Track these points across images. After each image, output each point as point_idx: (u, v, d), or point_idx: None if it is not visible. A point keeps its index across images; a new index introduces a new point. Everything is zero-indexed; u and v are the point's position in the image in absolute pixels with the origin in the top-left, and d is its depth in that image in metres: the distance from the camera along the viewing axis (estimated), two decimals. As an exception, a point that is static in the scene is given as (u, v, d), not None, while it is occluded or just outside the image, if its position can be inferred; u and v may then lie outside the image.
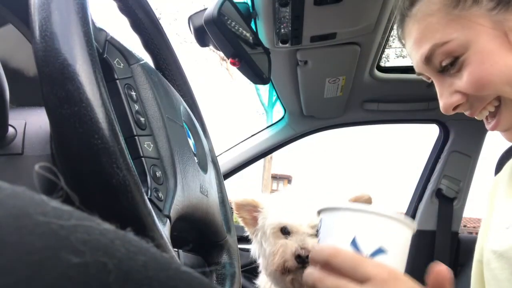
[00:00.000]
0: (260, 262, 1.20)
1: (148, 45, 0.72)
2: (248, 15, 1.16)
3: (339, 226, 0.51)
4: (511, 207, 0.73)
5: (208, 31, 0.89)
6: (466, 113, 0.69)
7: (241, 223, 1.22)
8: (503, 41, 0.61)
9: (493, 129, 0.68)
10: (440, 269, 0.48)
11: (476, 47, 0.62)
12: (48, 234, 0.15)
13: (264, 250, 1.14)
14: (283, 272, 1.06)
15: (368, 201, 1.16)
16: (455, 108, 0.68)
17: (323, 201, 1.12)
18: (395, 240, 0.50)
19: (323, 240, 0.52)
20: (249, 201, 1.18)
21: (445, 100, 0.68)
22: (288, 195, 1.19)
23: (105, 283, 0.16)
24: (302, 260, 1.02)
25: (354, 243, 0.48)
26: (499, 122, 0.66)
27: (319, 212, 0.54)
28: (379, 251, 0.48)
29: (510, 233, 0.67)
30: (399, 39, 0.76)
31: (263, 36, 1.27)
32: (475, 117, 0.69)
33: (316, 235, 1.06)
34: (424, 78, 0.74)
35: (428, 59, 0.67)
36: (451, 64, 0.65)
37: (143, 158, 0.49)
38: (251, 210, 1.19)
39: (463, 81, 0.64)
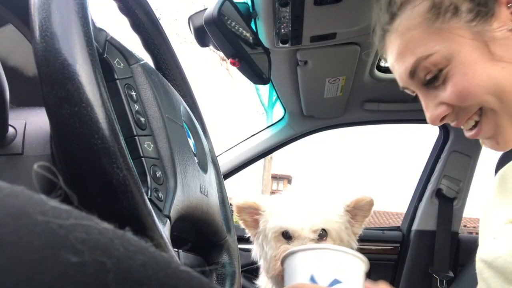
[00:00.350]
0: (261, 264, 1.19)
1: (148, 45, 0.72)
2: (248, 15, 1.16)
3: (298, 267, 0.58)
4: (499, 218, 0.73)
5: (208, 31, 0.89)
6: (452, 124, 0.70)
7: (242, 225, 1.20)
8: (484, 52, 0.62)
9: (473, 137, 0.69)
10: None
11: (458, 59, 0.63)
12: (47, 233, 0.15)
13: (265, 253, 1.13)
14: None
15: (370, 203, 1.14)
16: (442, 119, 0.69)
17: (324, 204, 1.11)
18: (349, 270, 0.57)
19: (287, 284, 0.59)
20: (250, 204, 1.16)
21: (431, 112, 0.69)
22: (289, 198, 1.16)
23: (104, 282, 0.16)
24: None
25: (312, 279, 0.56)
26: (480, 131, 0.67)
27: (282, 263, 0.62)
28: (335, 281, 0.56)
29: (497, 243, 0.68)
30: (381, 54, 0.77)
31: (263, 36, 1.27)
32: (462, 127, 0.70)
33: (318, 240, 1.06)
34: (409, 92, 0.74)
35: (412, 73, 0.67)
36: (435, 77, 0.65)
37: (143, 158, 0.49)
38: (252, 212, 1.16)
39: (447, 92, 0.65)
